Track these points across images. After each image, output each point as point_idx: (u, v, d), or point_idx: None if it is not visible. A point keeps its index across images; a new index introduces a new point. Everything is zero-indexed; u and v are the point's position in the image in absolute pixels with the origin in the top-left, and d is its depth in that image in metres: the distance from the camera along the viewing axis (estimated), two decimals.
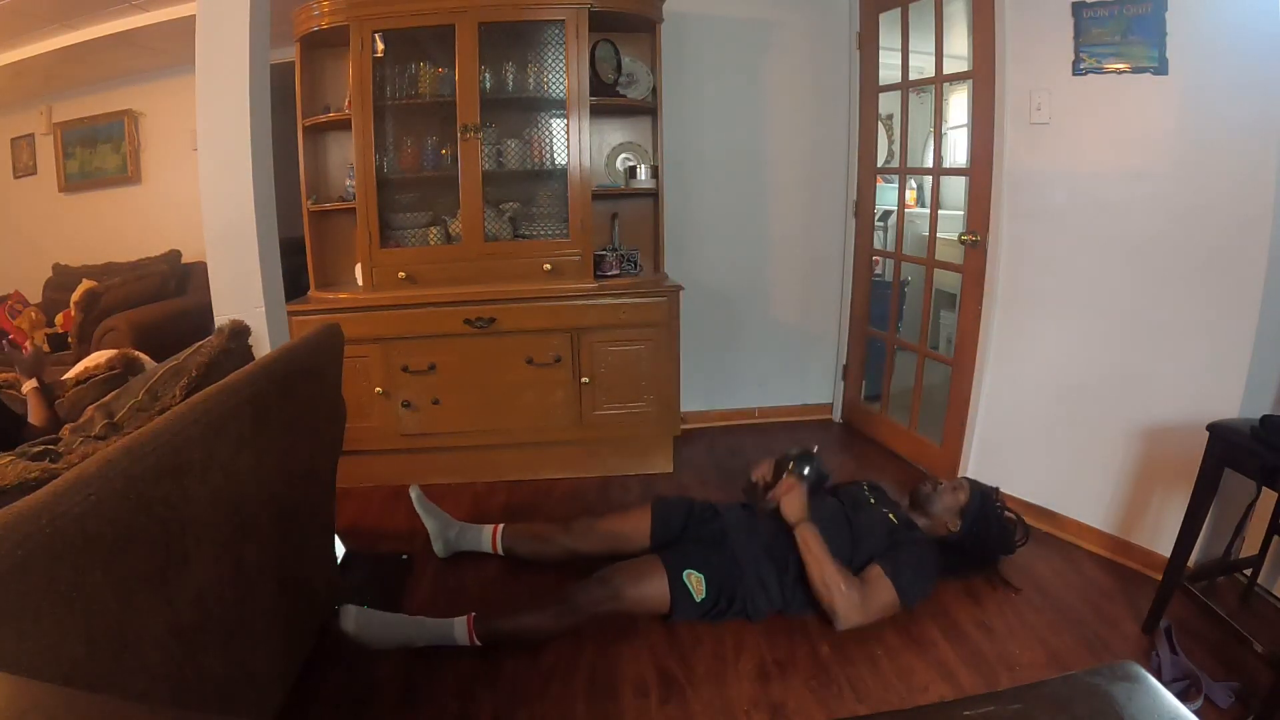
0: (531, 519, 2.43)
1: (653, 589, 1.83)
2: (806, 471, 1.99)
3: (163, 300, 4.24)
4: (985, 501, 2.07)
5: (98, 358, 2.07)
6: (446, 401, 2.71)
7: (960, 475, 2.43)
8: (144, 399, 1.37)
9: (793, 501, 1.93)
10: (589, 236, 2.74)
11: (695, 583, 1.84)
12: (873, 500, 2.11)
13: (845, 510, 2.04)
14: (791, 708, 1.60)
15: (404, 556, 2.19)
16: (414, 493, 2.24)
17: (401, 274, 2.71)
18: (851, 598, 1.81)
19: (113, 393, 1.49)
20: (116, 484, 0.88)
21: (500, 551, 2.19)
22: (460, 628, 1.73)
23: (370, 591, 2.01)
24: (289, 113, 2.69)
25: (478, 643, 1.72)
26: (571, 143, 2.68)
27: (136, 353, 1.72)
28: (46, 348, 3.92)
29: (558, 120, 2.82)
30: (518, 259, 2.76)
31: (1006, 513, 2.10)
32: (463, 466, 2.80)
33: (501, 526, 2.20)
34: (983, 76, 2.45)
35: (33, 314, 4.25)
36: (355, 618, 1.69)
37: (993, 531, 2.06)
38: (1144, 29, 1.99)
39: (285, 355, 1.47)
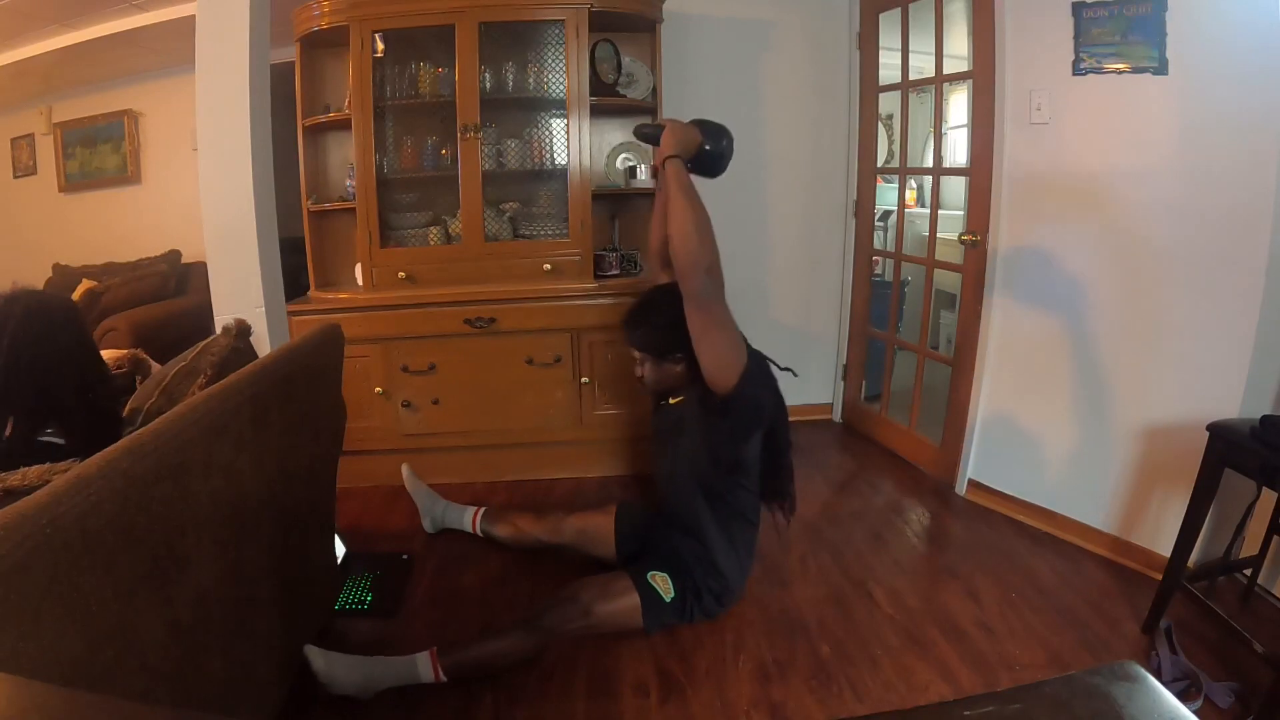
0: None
1: (623, 602, 1.79)
2: (717, 145, 1.80)
3: (163, 300, 4.25)
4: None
5: (105, 356, 2.07)
6: (446, 401, 2.71)
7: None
8: (160, 401, 1.37)
9: (674, 132, 1.76)
10: (589, 236, 2.74)
11: (661, 583, 1.82)
12: (668, 401, 1.99)
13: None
14: (791, 708, 1.60)
15: (404, 556, 2.19)
16: (405, 470, 2.37)
17: (401, 274, 2.71)
18: (696, 257, 1.70)
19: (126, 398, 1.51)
20: (116, 484, 0.88)
21: (479, 533, 2.28)
22: (424, 664, 1.63)
23: (370, 593, 2.02)
24: (289, 113, 2.70)
25: (444, 678, 1.64)
26: (571, 143, 2.68)
27: (145, 354, 1.72)
28: None
29: (558, 120, 2.82)
30: (518, 259, 2.76)
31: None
32: (463, 466, 2.80)
33: (481, 510, 2.30)
34: (983, 76, 2.45)
35: None
36: (323, 658, 1.58)
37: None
38: (1144, 29, 1.99)
39: (285, 356, 1.47)
